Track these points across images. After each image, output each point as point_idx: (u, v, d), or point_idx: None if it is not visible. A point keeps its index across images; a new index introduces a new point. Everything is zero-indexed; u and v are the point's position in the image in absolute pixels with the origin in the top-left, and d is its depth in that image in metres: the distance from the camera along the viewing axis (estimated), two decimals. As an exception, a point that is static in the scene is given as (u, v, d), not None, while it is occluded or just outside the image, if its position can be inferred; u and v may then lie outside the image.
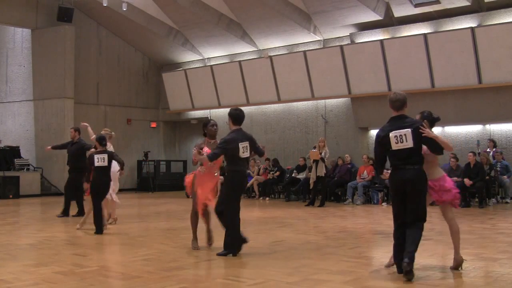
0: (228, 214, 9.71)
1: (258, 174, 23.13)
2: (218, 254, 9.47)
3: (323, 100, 23.76)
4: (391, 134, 7.70)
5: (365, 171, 20.55)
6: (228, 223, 9.68)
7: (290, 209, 18.38)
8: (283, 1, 22.42)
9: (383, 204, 19.55)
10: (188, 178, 10.59)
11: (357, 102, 22.65)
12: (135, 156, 27.70)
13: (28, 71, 27.09)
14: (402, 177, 7.63)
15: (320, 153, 19.32)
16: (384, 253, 9.87)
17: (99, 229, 12.26)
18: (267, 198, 22.48)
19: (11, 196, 23.20)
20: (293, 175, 22.52)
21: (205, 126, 10.43)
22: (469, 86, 19.77)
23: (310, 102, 23.96)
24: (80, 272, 8.20)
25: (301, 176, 22.12)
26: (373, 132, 22.69)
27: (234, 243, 9.53)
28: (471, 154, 18.39)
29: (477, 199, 18.45)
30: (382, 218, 15.82)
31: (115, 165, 13.09)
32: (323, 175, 19.51)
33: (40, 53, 26.49)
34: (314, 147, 19.88)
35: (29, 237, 12.15)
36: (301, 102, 24.18)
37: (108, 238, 11.72)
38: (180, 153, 30.94)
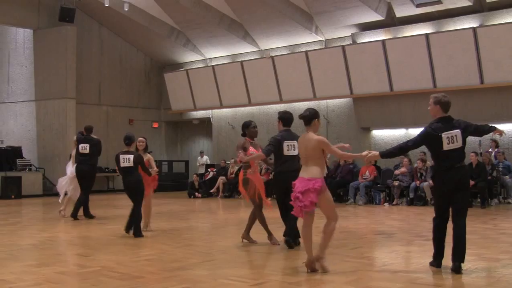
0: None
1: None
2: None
3: (325, 100, 23.78)
4: (444, 135, 7.86)
5: (367, 171, 20.52)
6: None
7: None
8: (285, 1, 22.43)
9: (385, 204, 19.54)
10: (240, 186, 10.85)
11: (359, 102, 22.66)
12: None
13: (30, 71, 27.13)
14: (454, 176, 7.84)
15: (322, 154, 19.28)
16: (386, 253, 9.88)
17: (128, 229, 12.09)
18: (269, 199, 22.45)
19: (13, 197, 23.25)
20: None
21: (247, 127, 10.68)
22: (471, 86, 19.77)
23: (312, 102, 23.92)
24: (82, 272, 8.21)
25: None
26: (375, 132, 22.73)
27: (291, 233, 9.99)
28: (473, 154, 18.36)
29: (479, 200, 18.42)
30: (384, 218, 15.83)
31: None
32: (325, 175, 19.44)
33: (42, 53, 26.52)
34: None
35: (31, 237, 12.15)
36: (303, 102, 24.09)
37: (110, 238, 11.72)
38: (182, 153, 30.96)
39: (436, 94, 8.22)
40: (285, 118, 10.37)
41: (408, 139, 8.30)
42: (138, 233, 11.80)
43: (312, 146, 8.09)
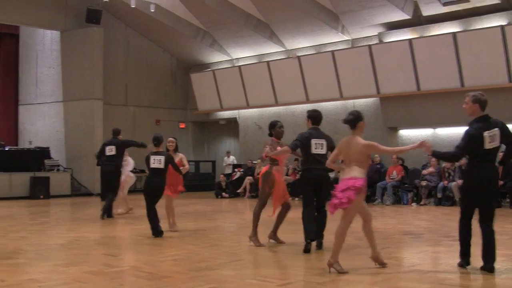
0: (303, 209, 10.08)
1: (287, 175, 23.10)
2: (304, 251, 9.81)
3: (351, 100, 23.69)
4: (485, 134, 7.86)
5: (395, 171, 20.44)
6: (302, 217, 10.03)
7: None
8: (311, 1, 22.38)
9: (412, 204, 19.45)
10: (260, 176, 10.93)
11: (386, 102, 22.54)
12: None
13: (57, 73, 27.33)
14: (489, 174, 7.95)
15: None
16: (414, 254, 9.83)
17: (156, 232, 11.92)
18: (296, 199, 22.44)
19: (41, 197, 23.46)
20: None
21: (273, 127, 10.75)
22: (498, 85, 19.55)
23: (339, 102, 23.89)
24: (109, 272, 8.24)
25: (330, 176, 22.01)
26: (402, 132, 22.59)
27: (307, 232, 9.87)
28: (501, 154, 18.18)
29: (508, 199, 18.27)
30: (412, 218, 15.75)
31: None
32: (352, 175, 19.43)
33: (69, 55, 26.72)
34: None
35: (59, 237, 12.23)
36: (329, 102, 24.10)
37: (138, 238, 11.76)
38: (209, 153, 31.01)
39: (473, 92, 8.18)
40: (314, 116, 10.37)
41: (453, 143, 8.30)
42: (158, 233, 11.86)
43: (359, 150, 8.05)
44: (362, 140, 8.14)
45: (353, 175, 7.91)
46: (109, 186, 16.12)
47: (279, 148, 10.31)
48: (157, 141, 12.27)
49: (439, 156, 8.56)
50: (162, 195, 12.22)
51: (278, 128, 10.68)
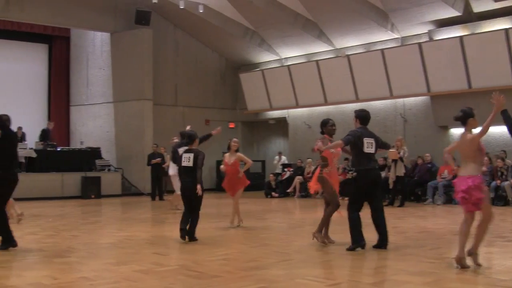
0: (349, 210, 10.05)
1: (337, 173, 22.98)
2: (348, 249, 9.79)
3: (401, 99, 23.48)
4: None
5: (446, 171, 20.19)
6: (349, 219, 9.99)
7: (369, 209, 18.14)
8: (360, -1, 22.27)
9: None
10: (313, 181, 10.89)
11: (437, 100, 22.28)
12: (214, 156, 27.83)
13: (107, 74, 27.63)
14: None
15: (399, 153, 19.10)
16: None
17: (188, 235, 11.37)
18: (346, 198, 22.30)
19: (93, 196, 23.74)
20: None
21: (325, 126, 10.75)
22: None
23: (389, 100, 23.71)
24: (160, 271, 8.30)
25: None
26: (453, 131, 22.27)
27: (356, 238, 9.85)
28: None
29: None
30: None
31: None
32: (403, 174, 19.33)
33: (119, 56, 26.99)
34: (393, 147, 19.66)
35: (110, 236, 12.38)
36: (379, 101, 23.92)
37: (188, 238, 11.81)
38: (259, 153, 31.00)
39: None
40: (362, 116, 10.32)
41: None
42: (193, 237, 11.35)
43: (470, 146, 8.22)
44: (470, 135, 8.32)
45: (470, 173, 8.06)
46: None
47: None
48: (189, 139, 11.82)
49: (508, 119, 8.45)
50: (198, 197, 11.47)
51: (330, 126, 10.68)
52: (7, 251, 9.93)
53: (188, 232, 11.21)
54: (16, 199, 14.34)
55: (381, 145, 10.28)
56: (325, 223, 10.44)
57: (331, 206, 10.51)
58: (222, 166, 13.91)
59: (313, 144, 10.60)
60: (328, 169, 10.39)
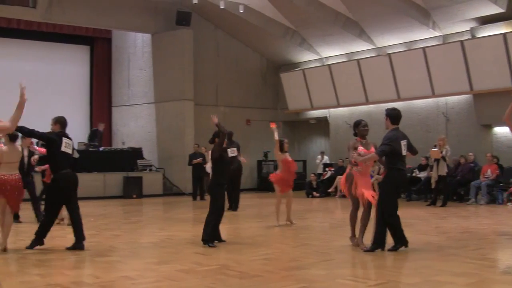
0: (387, 211, 9.85)
1: (378, 174, 22.85)
2: (365, 250, 9.74)
3: (443, 98, 23.24)
4: None
5: (489, 170, 19.94)
6: (387, 220, 9.85)
7: (410, 209, 18.07)
8: (401, -3, 22.11)
9: (508, 204, 18.92)
10: (342, 179, 10.90)
11: (479, 99, 22.01)
12: (255, 156, 27.91)
13: (149, 75, 27.81)
14: None
15: (441, 152, 18.93)
16: (509, 255, 9.59)
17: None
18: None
19: (134, 196, 23.91)
20: (413, 174, 22.14)
21: (357, 127, 10.60)
22: None
23: (431, 99, 23.48)
24: (200, 270, 8.33)
25: (422, 175, 21.73)
26: (497, 130, 22.00)
27: (403, 238, 9.80)
28: None
29: None
30: (507, 218, 15.36)
31: None
32: (445, 174, 19.15)
33: (160, 57, 27.15)
34: (435, 146, 19.50)
35: (152, 236, 12.47)
36: (421, 100, 23.72)
37: (228, 237, 11.80)
38: (300, 152, 30.93)
39: None
40: (394, 115, 10.25)
41: None
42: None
43: None
44: None
45: None
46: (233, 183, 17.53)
47: (361, 147, 10.17)
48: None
49: None
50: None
51: (362, 127, 10.51)
52: (49, 250, 10.07)
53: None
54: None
55: (409, 148, 10.17)
56: (365, 225, 10.31)
57: (363, 212, 10.37)
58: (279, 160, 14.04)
59: (347, 147, 10.48)
60: (358, 169, 10.24)
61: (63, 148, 10.48)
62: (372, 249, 9.73)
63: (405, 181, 9.92)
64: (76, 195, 11.01)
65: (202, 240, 10.78)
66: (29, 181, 14.20)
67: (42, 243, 10.46)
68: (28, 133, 10.21)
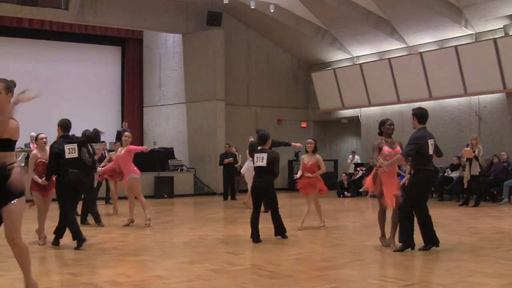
0: (417, 211, 9.82)
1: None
2: (395, 251, 9.71)
3: (476, 96, 23.03)
4: None
5: (523, 169, 19.75)
6: (420, 221, 9.82)
7: (443, 209, 17.95)
8: (432, -5, 21.96)
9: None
10: (368, 179, 10.85)
11: (513, 97, 21.83)
12: (286, 156, 27.86)
13: (180, 75, 27.93)
14: None
15: (474, 151, 18.78)
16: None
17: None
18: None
19: (166, 196, 24.03)
20: (445, 174, 21.99)
21: (383, 125, 10.52)
22: None
23: (463, 98, 23.30)
24: (232, 270, 8.34)
25: (455, 174, 21.57)
26: (531, 128, 21.79)
27: (434, 237, 9.77)
28: None
29: None
30: (542, 218, 15.19)
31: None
32: (478, 174, 18.98)
33: (191, 57, 27.24)
34: (467, 145, 19.34)
35: (183, 235, 12.51)
36: (453, 99, 23.55)
37: (260, 237, 11.80)
38: (331, 152, 30.87)
39: None
40: (421, 114, 10.11)
41: None
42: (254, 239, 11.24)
43: None
44: None
45: None
46: None
47: (386, 147, 10.13)
48: (261, 139, 11.82)
49: None
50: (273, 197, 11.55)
51: (388, 126, 10.40)
52: (80, 249, 10.16)
53: (279, 232, 11.58)
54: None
55: (435, 149, 10.05)
56: (396, 225, 10.22)
57: (392, 212, 10.28)
58: (299, 172, 13.66)
59: (372, 147, 10.42)
60: (384, 169, 10.16)
61: (67, 156, 10.50)
62: (401, 249, 9.68)
63: (433, 182, 9.83)
64: (77, 196, 11.03)
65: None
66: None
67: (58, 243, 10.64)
68: None
